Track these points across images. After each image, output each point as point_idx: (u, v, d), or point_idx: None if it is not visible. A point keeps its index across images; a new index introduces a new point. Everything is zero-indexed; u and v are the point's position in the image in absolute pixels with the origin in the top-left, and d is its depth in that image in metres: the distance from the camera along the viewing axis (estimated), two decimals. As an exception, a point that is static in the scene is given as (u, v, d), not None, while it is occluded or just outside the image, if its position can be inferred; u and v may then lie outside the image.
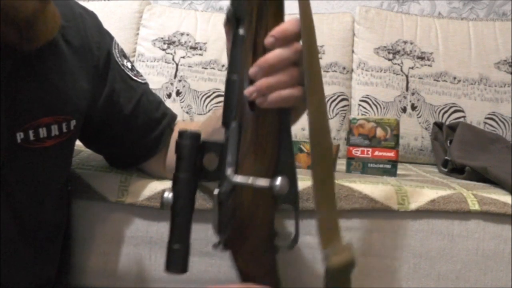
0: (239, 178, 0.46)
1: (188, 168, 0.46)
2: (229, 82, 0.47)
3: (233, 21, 0.47)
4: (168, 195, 0.47)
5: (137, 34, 1.46)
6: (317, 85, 0.46)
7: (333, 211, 0.47)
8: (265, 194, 0.47)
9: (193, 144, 0.46)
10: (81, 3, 0.68)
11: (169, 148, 0.72)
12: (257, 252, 0.49)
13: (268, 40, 0.45)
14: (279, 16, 0.47)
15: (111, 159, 0.75)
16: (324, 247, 0.46)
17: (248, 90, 0.46)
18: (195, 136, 0.46)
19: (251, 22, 0.46)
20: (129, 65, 0.70)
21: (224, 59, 1.39)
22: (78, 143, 0.70)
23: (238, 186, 0.47)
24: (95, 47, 0.64)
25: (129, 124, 0.68)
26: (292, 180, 0.47)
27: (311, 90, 0.46)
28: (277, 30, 0.45)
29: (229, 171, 0.46)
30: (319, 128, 0.47)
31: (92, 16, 0.67)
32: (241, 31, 0.47)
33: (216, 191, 0.47)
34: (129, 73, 0.69)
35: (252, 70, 0.46)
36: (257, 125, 0.47)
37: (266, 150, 0.47)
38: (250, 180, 0.46)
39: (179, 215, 0.47)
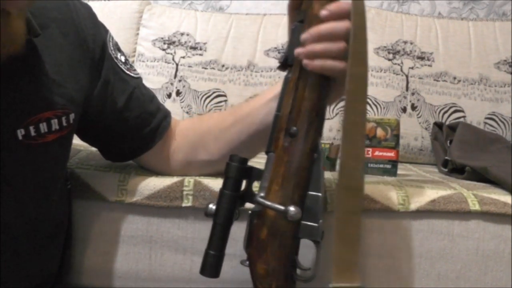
0: (261, 200, 0.52)
1: (232, 187, 0.52)
2: (274, 117, 0.54)
3: (285, 66, 0.55)
4: (212, 206, 0.53)
5: (137, 34, 1.46)
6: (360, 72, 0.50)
7: (355, 250, 0.49)
8: (286, 222, 0.51)
9: (239, 166, 0.52)
10: (82, 2, 0.68)
11: (171, 146, 0.72)
12: (273, 275, 0.52)
13: (323, 13, 0.52)
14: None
15: (106, 152, 0.75)
16: (335, 281, 0.48)
17: (297, 51, 0.53)
18: (243, 160, 0.53)
19: (296, 67, 0.54)
20: (122, 58, 0.70)
21: (224, 59, 1.39)
22: (77, 142, 0.70)
23: (263, 210, 0.53)
24: (90, 39, 0.64)
25: (123, 116, 0.68)
26: (314, 216, 0.52)
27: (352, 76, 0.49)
28: (333, 5, 0.51)
29: (260, 194, 0.53)
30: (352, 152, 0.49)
31: (87, 8, 0.67)
32: (290, 74, 0.54)
33: (249, 212, 0.54)
34: (122, 66, 0.69)
35: (304, 36, 0.52)
36: (287, 157, 0.52)
37: (291, 181, 0.52)
38: (269, 203, 0.51)
39: (218, 226, 0.52)
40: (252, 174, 0.54)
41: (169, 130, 0.72)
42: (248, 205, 0.54)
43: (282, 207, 0.50)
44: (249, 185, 0.54)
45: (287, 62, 0.54)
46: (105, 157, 0.75)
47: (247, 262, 0.54)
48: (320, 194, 0.52)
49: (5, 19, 0.47)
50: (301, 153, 0.52)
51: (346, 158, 0.49)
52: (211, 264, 0.51)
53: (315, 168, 0.52)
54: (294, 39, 0.54)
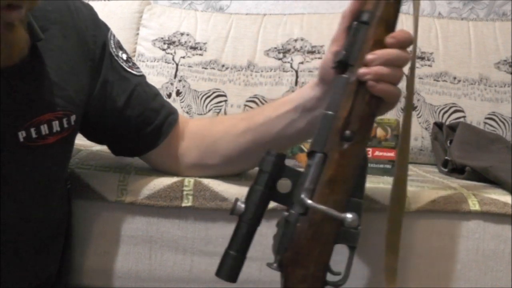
0: (314, 203, 0.49)
1: (266, 182, 0.49)
2: (324, 116, 0.52)
3: (342, 65, 0.52)
4: (241, 204, 0.49)
5: (137, 34, 1.46)
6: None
7: (397, 256, 0.54)
8: (330, 227, 0.50)
9: (276, 161, 0.49)
10: (82, 2, 0.68)
11: (179, 146, 0.71)
12: (311, 280, 0.51)
13: (389, 40, 0.51)
14: None
15: (113, 149, 0.74)
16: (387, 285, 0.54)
17: (363, 71, 0.50)
18: (281, 156, 0.50)
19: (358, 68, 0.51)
20: (124, 56, 0.69)
21: (224, 59, 1.39)
22: (77, 141, 0.70)
23: (309, 214, 0.50)
24: (91, 40, 0.64)
25: (125, 115, 0.68)
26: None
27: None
28: (400, 34, 0.52)
29: (304, 195, 0.49)
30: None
31: (88, 8, 0.67)
32: (348, 74, 0.51)
33: (285, 213, 0.51)
34: (123, 64, 0.68)
35: (370, 57, 0.51)
36: (343, 161, 0.50)
37: (343, 186, 0.50)
38: (324, 207, 0.49)
39: (245, 225, 0.49)
40: (282, 172, 0.51)
41: (175, 128, 0.71)
42: (272, 204, 0.52)
43: (339, 214, 0.48)
44: (273, 183, 0.51)
45: (347, 62, 0.52)
46: (114, 154, 0.75)
47: (275, 265, 0.51)
48: (362, 200, 0.51)
49: (9, 31, 0.46)
50: (356, 159, 0.51)
51: (400, 170, 0.52)
52: (230, 266, 0.48)
53: (360, 174, 0.51)
54: (357, 39, 0.52)
